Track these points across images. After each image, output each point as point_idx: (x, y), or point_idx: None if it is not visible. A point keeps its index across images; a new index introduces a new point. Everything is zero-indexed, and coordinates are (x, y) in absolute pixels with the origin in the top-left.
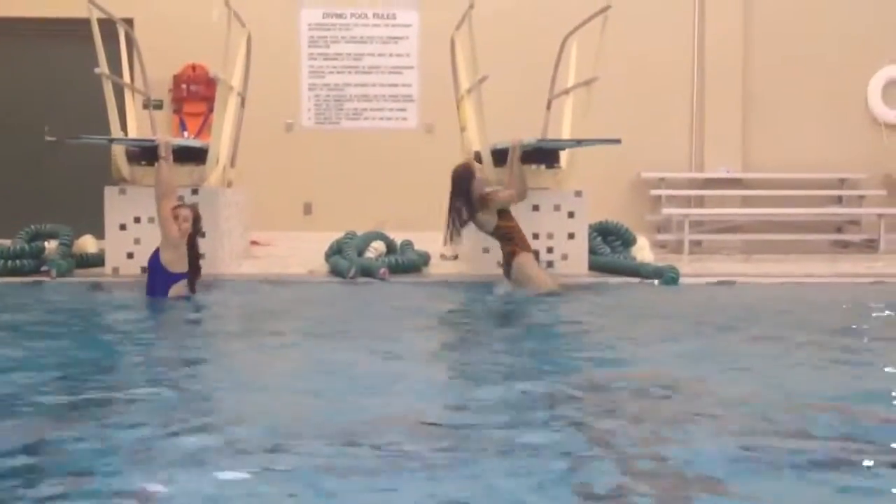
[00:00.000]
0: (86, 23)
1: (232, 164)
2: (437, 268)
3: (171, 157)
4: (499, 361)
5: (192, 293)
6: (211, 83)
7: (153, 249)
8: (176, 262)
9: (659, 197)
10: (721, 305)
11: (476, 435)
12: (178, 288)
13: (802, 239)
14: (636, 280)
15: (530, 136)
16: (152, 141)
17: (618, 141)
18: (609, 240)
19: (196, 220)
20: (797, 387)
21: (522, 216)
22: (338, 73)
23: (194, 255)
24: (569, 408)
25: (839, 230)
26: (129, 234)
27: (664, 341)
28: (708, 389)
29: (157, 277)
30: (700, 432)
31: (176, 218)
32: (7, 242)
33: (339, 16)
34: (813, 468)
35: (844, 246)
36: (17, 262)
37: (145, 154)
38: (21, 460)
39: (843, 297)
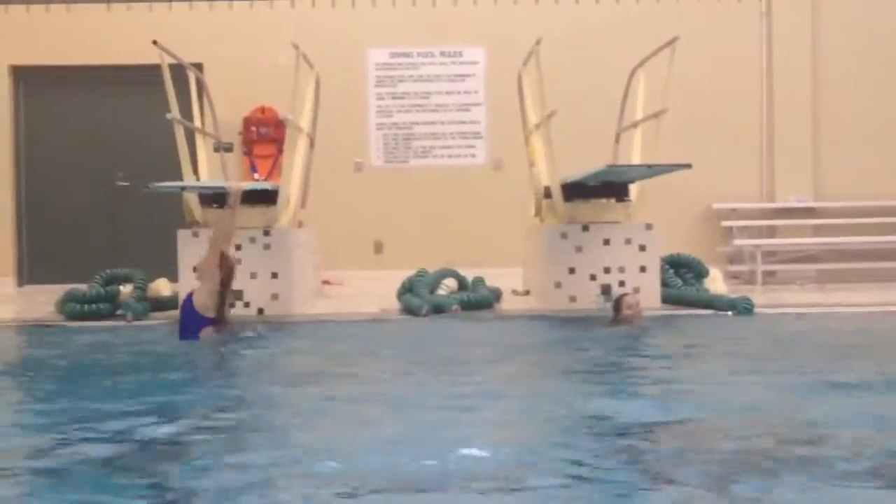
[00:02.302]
0: (157, 69)
1: (303, 204)
2: (509, 304)
3: (238, 205)
4: (578, 394)
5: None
6: (280, 125)
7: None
8: (210, 307)
9: (730, 228)
10: (801, 336)
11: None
12: (208, 331)
13: (877, 267)
14: (710, 312)
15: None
16: (222, 187)
17: (688, 166)
18: (681, 272)
19: (231, 270)
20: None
21: (593, 250)
22: (405, 111)
23: (222, 303)
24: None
25: None
26: None
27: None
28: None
29: (189, 322)
30: None
31: (222, 260)
32: (83, 287)
33: (406, 55)
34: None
35: None
36: (94, 306)
37: (217, 197)
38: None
39: None
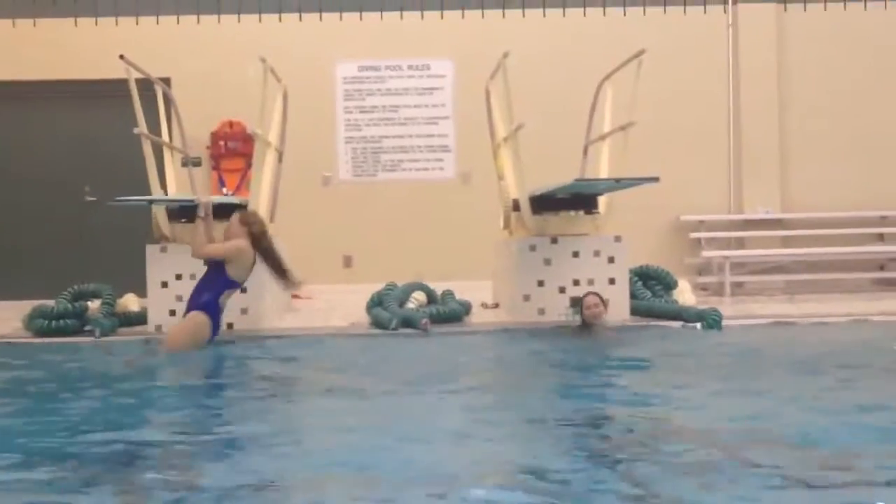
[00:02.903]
0: (124, 83)
1: (271, 218)
2: (478, 317)
3: (210, 218)
4: (554, 407)
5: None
6: (248, 139)
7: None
8: (241, 276)
9: (699, 240)
10: (768, 347)
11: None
12: (227, 296)
13: (844, 278)
14: (678, 324)
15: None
16: (192, 200)
17: (656, 179)
18: (650, 284)
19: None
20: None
21: (562, 262)
22: (374, 125)
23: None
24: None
25: (882, 268)
26: (170, 291)
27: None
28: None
29: (214, 284)
30: None
31: (246, 224)
32: (50, 303)
33: (374, 68)
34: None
35: (888, 284)
36: (61, 321)
37: (185, 212)
38: None
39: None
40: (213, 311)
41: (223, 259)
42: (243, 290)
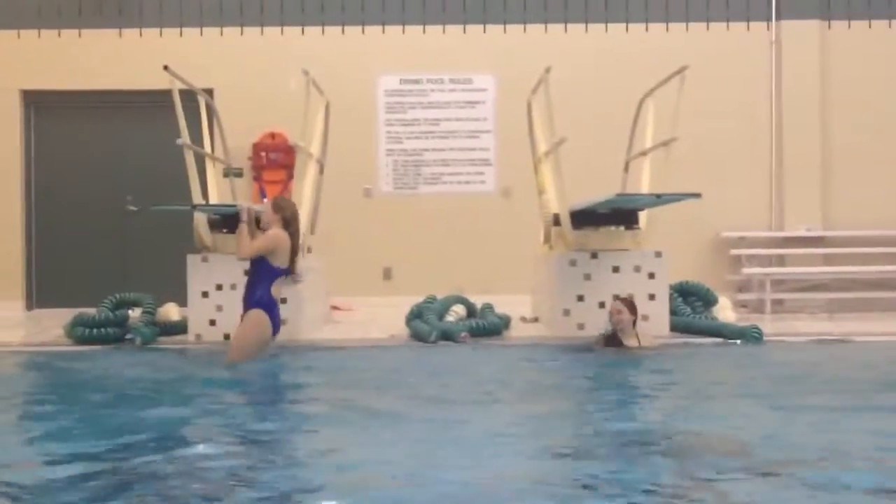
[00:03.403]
0: (167, 94)
1: (312, 230)
2: (517, 331)
3: (253, 222)
4: (589, 422)
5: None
6: (290, 150)
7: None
8: (283, 260)
9: (739, 257)
10: (810, 365)
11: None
12: (279, 285)
13: (886, 297)
14: (719, 340)
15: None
16: (233, 206)
17: (698, 195)
18: (690, 300)
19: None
20: None
21: (603, 277)
22: (415, 138)
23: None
24: None
25: None
26: (211, 301)
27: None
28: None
29: (263, 278)
30: None
31: (278, 209)
32: (92, 311)
33: (416, 82)
34: None
35: None
36: (103, 330)
37: (227, 222)
38: None
39: None
40: (269, 305)
41: (266, 252)
42: (283, 301)
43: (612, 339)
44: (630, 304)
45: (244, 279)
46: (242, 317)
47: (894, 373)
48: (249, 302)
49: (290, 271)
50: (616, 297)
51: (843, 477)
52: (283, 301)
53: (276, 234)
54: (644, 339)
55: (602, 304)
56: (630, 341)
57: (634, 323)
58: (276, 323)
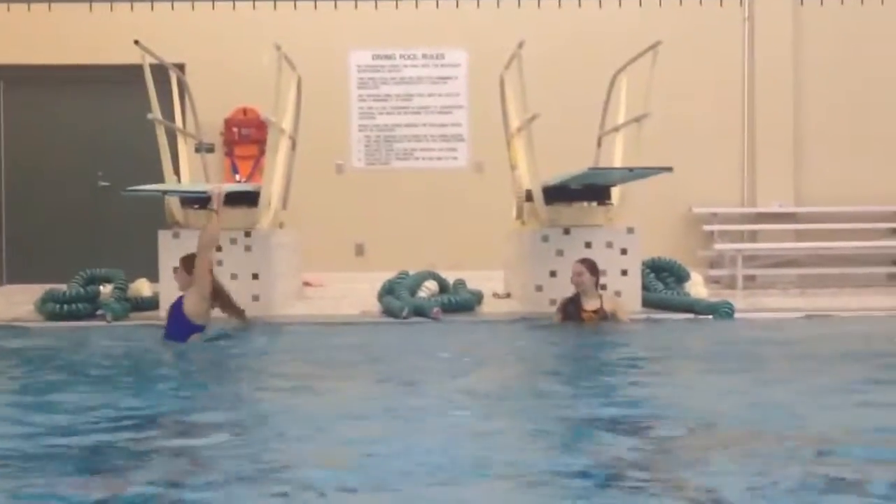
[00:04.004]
0: (138, 69)
1: (284, 206)
2: (490, 306)
3: (221, 210)
4: (562, 403)
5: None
6: (262, 126)
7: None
8: (200, 314)
9: (711, 232)
10: (779, 341)
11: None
12: (196, 337)
13: (858, 272)
14: (690, 316)
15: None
16: (204, 193)
17: (669, 169)
18: (662, 276)
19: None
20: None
21: (575, 253)
22: (387, 113)
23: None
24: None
25: (895, 263)
26: None
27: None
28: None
29: (177, 325)
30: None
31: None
32: (63, 287)
33: (389, 57)
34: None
35: None
36: (73, 306)
37: (198, 198)
38: None
39: None
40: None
41: (195, 279)
42: (255, 277)
43: (572, 303)
44: (591, 265)
45: (217, 255)
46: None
47: (863, 347)
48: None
49: (202, 328)
50: (579, 259)
51: (807, 449)
52: (255, 277)
53: (208, 285)
54: (612, 306)
55: None
56: (590, 304)
57: (596, 284)
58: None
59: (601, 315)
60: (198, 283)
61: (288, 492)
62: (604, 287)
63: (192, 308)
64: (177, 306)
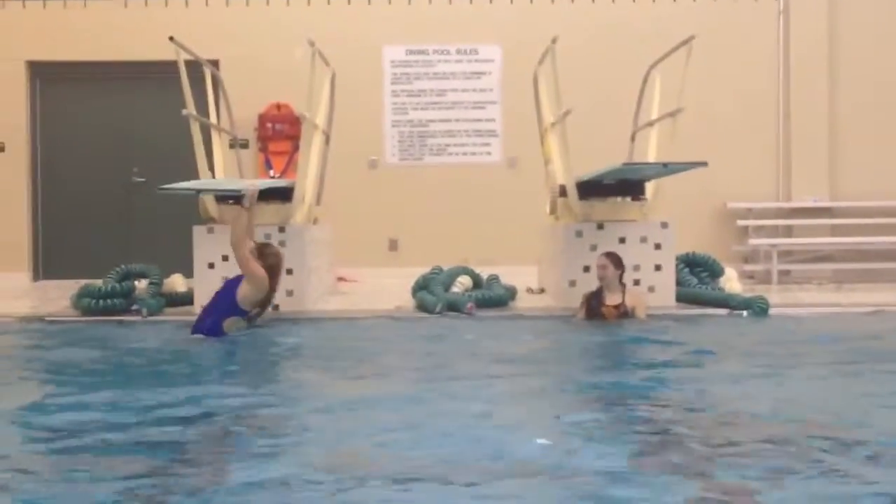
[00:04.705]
0: (173, 65)
1: (318, 201)
2: (523, 302)
3: (255, 208)
4: (590, 396)
5: (248, 325)
6: (296, 122)
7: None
8: (251, 300)
9: (746, 227)
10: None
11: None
12: (231, 322)
13: (894, 267)
14: (724, 311)
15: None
16: (237, 191)
17: (704, 164)
18: (696, 271)
19: (278, 265)
20: None
21: (608, 248)
22: (421, 109)
23: (267, 302)
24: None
25: None
26: (217, 272)
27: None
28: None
29: (220, 304)
30: None
31: (262, 255)
32: (98, 282)
33: (422, 52)
34: None
35: None
36: (108, 301)
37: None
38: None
39: None
40: (216, 335)
41: (246, 275)
42: (289, 272)
43: (594, 298)
44: (616, 259)
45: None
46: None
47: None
48: (201, 326)
49: (246, 313)
50: (604, 252)
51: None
52: (289, 272)
53: (265, 278)
54: (632, 301)
55: None
56: (613, 298)
57: (621, 278)
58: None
59: (622, 311)
60: (250, 272)
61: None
62: (637, 282)
63: (245, 293)
64: (230, 285)
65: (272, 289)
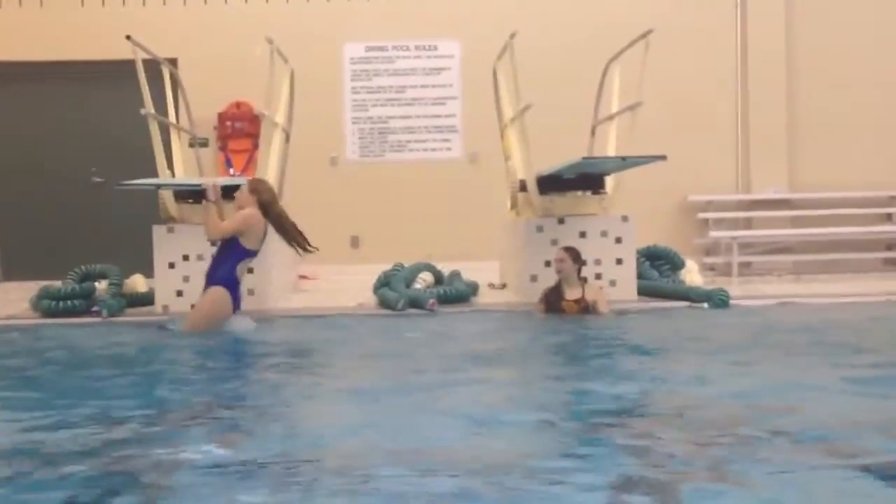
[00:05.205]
0: (131, 64)
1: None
2: (485, 297)
3: (220, 199)
4: (554, 389)
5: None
6: (255, 120)
7: (210, 264)
8: (256, 241)
9: (706, 220)
10: (775, 327)
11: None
12: (244, 266)
13: (853, 258)
14: (685, 304)
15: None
16: (198, 185)
17: (663, 157)
18: (657, 264)
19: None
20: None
21: (569, 243)
22: (381, 105)
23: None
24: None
25: (889, 248)
26: (177, 272)
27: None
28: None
29: (229, 254)
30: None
31: (254, 191)
32: (58, 283)
33: (382, 49)
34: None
35: None
36: (69, 302)
37: (192, 192)
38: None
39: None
40: (231, 283)
41: (237, 233)
42: (250, 271)
43: (554, 293)
44: (574, 253)
45: (211, 249)
46: (203, 290)
47: (860, 332)
48: (212, 279)
49: (255, 253)
50: (563, 247)
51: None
52: (250, 271)
53: (248, 213)
54: (593, 296)
55: None
56: (572, 292)
57: (579, 272)
58: (237, 301)
59: (582, 305)
60: (239, 231)
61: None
62: (598, 276)
63: (246, 241)
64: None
65: (284, 223)
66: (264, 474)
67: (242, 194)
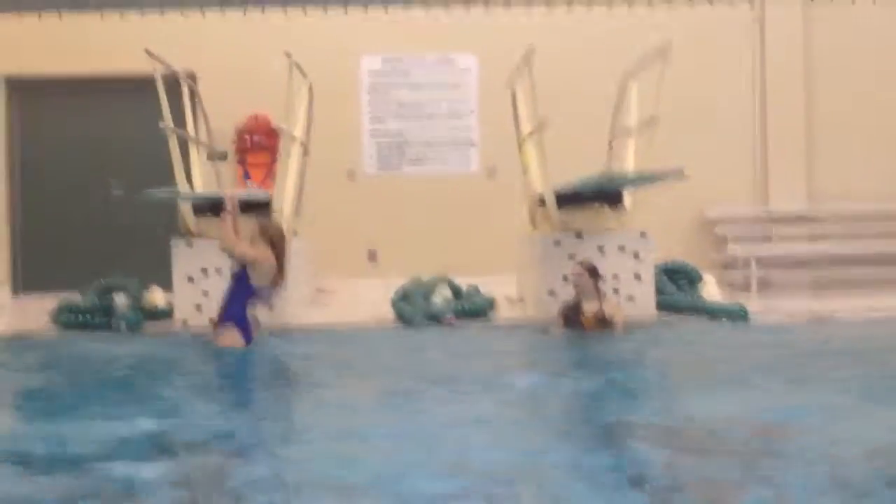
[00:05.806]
0: (150, 78)
1: (296, 212)
2: (503, 312)
3: (237, 211)
4: (574, 402)
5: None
6: (273, 133)
7: (221, 302)
8: (265, 279)
9: (724, 235)
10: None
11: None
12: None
13: (873, 273)
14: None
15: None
16: (219, 196)
17: (682, 174)
18: (675, 278)
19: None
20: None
21: (586, 257)
22: (399, 119)
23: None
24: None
25: None
26: (196, 285)
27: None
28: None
29: (239, 293)
30: None
31: (264, 233)
32: (77, 297)
33: (399, 62)
34: None
35: None
36: (88, 316)
37: (211, 206)
38: None
39: None
40: (242, 321)
41: (250, 262)
42: (270, 308)
43: (572, 308)
44: (591, 267)
45: (229, 263)
46: (215, 326)
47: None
48: (225, 315)
49: (262, 293)
50: (580, 261)
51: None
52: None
53: (266, 255)
54: (611, 310)
55: None
56: (590, 306)
57: (596, 286)
58: (249, 337)
59: (600, 318)
60: (253, 263)
61: None
62: (616, 291)
63: (255, 276)
64: (241, 271)
65: (281, 264)
66: None
67: (255, 236)
